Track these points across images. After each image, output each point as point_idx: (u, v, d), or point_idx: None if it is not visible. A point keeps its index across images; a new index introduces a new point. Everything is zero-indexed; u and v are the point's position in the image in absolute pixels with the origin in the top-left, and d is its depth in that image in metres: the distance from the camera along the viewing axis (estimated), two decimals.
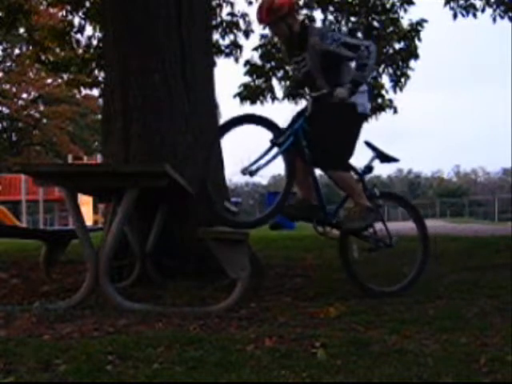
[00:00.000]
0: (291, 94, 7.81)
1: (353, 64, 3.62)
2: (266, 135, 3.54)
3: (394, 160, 3.93)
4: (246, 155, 3.44)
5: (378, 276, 3.93)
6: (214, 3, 7.91)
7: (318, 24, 8.29)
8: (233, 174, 3.73)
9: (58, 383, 1.88)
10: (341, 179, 3.62)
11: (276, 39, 8.38)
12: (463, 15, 7.87)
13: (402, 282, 3.74)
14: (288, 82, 8.59)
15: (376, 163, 3.86)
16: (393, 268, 4.14)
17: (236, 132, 3.52)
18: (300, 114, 3.63)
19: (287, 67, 8.49)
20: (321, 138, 3.54)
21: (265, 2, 3.60)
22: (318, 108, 3.61)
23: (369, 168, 3.82)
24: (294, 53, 3.68)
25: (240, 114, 3.60)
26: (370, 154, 3.85)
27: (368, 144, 3.83)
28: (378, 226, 3.78)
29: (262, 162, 3.46)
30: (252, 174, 3.43)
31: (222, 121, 4.10)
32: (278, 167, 3.69)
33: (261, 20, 3.67)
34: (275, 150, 3.50)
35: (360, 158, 3.86)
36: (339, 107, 3.51)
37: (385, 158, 3.86)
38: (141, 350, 2.20)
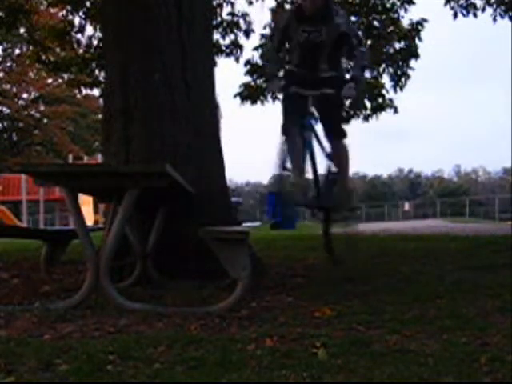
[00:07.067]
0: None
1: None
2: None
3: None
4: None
5: None
6: (214, 3, 7.90)
7: None
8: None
9: (58, 383, 1.88)
10: (345, 151, 3.70)
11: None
12: (463, 15, 7.87)
13: None
14: None
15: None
16: None
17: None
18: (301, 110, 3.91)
19: (287, 67, 8.49)
20: (332, 114, 3.89)
21: None
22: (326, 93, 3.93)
23: None
24: (306, 21, 3.87)
25: None
26: None
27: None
28: None
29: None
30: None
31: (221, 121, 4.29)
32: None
33: None
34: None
35: None
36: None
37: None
38: (141, 349, 2.20)
